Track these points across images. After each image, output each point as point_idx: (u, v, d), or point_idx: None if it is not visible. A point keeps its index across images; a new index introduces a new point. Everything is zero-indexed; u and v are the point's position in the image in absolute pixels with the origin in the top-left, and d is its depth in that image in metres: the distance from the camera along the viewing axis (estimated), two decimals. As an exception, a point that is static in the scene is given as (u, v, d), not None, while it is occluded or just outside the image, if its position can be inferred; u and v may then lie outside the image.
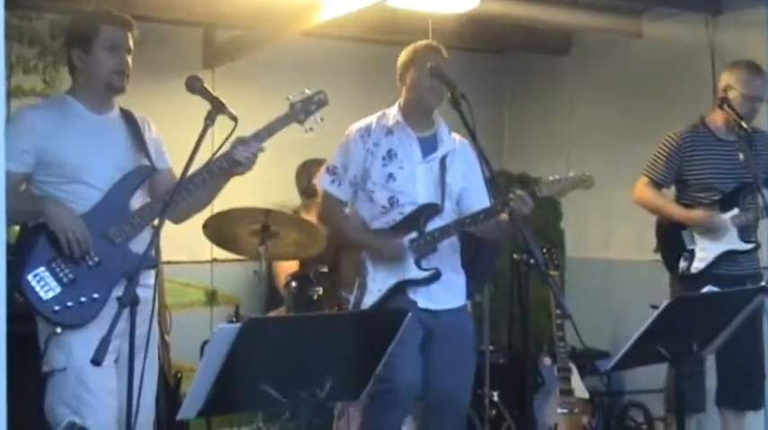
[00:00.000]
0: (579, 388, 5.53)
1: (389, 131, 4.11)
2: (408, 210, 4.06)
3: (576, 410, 5.44)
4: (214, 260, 6.35)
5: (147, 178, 3.55)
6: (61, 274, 3.33)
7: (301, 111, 3.56)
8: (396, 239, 4.04)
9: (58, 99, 3.58)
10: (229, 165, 3.43)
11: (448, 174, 4.12)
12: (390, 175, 4.06)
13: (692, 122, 4.94)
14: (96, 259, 3.37)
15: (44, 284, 3.31)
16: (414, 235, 4.05)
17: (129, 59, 3.50)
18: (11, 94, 5.72)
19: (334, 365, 2.81)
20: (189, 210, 3.67)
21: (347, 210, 4.21)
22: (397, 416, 4.01)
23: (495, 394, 5.58)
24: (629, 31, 6.48)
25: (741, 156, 4.58)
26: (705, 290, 3.47)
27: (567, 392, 5.45)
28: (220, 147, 3.33)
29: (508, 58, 7.73)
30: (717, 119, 4.85)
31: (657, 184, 4.95)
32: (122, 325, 3.16)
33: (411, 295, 4.04)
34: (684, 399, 3.44)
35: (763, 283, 3.63)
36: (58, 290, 3.32)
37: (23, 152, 3.35)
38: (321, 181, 4.21)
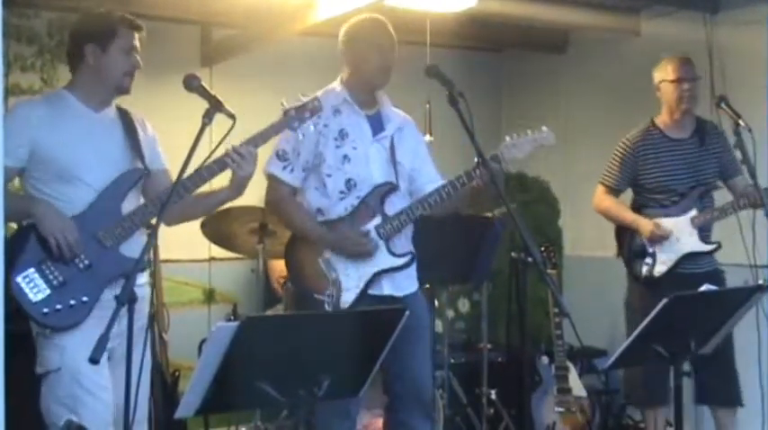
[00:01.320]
0: (577, 386, 5.53)
1: (337, 110, 3.96)
2: (365, 192, 3.93)
3: (574, 409, 5.44)
4: (212, 259, 6.35)
5: (140, 181, 3.54)
6: (51, 276, 3.32)
7: (295, 119, 3.55)
8: (356, 232, 3.89)
9: (56, 94, 3.58)
10: (219, 168, 3.42)
11: (398, 153, 4.03)
12: (345, 157, 3.91)
13: (643, 126, 4.97)
14: (86, 262, 3.36)
15: (33, 286, 3.30)
16: (378, 220, 3.93)
17: (139, 60, 3.53)
18: (8, 92, 5.73)
19: (331, 363, 2.81)
20: (181, 214, 3.65)
21: (298, 199, 4.03)
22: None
23: (493, 393, 5.57)
24: (626, 29, 6.48)
25: (739, 154, 4.59)
26: (702, 288, 3.47)
27: (565, 391, 5.46)
28: (218, 146, 3.32)
29: (506, 57, 7.74)
30: (667, 119, 4.87)
31: (614, 191, 5.01)
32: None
33: (374, 289, 3.92)
34: (681, 398, 3.43)
35: (761, 282, 3.63)
36: (48, 292, 3.31)
37: (18, 147, 3.34)
38: (270, 167, 3.95)
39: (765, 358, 4.87)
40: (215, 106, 3.27)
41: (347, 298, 3.87)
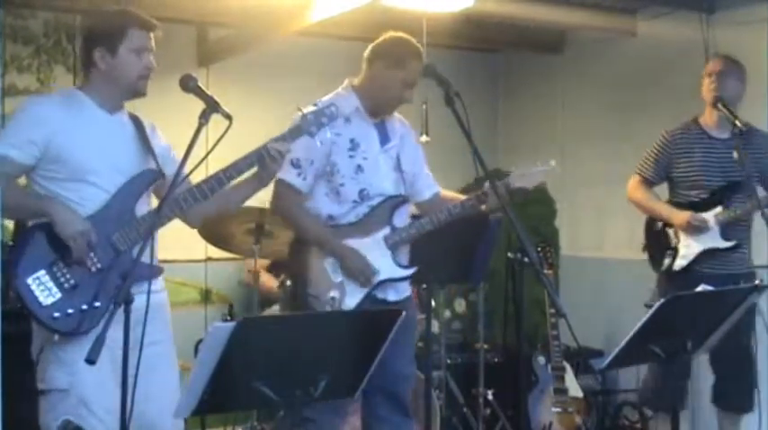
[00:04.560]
0: (573, 386, 5.54)
1: (348, 119, 3.94)
2: (377, 201, 3.97)
3: (571, 409, 5.45)
4: (209, 259, 6.34)
5: (154, 182, 3.43)
6: (62, 279, 3.19)
7: (313, 124, 3.50)
8: (365, 260, 3.92)
9: (71, 94, 3.42)
10: (237, 172, 3.37)
11: (402, 162, 4.08)
12: (358, 167, 3.93)
13: (684, 121, 4.96)
14: (99, 265, 3.23)
15: (44, 289, 3.16)
16: (387, 230, 3.97)
17: (153, 60, 3.42)
18: (5, 92, 5.72)
19: (328, 364, 2.81)
20: (217, 212, 3.64)
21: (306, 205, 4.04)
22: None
23: (490, 393, 5.58)
24: (623, 29, 6.49)
25: (735, 154, 4.59)
26: (699, 288, 3.47)
27: (562, 391, 5.46)
28: (214, 146, 3.32)
29: (502, 57, 7.74)
30: (708, 118, 4.86)
31: (648, 182, 5.00)
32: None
33: (380, 294, 3.98)
34: (678, 398, 3.43)
35: (757, 282, 3.62)
36: (59, 295, 3.16)
37: (30, 143, 3.21)
38: (284, 174, 3.89)
39: (765, 358, 4.88)
40: (211, 107, 3.24)
41: (350, 302, 3.90)
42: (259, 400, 2.71)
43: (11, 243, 4.86)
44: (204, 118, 3.23)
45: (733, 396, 4.81)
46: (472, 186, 5.10)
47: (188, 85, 3.30)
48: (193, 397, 2.66)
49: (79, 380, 3.13)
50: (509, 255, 5.45)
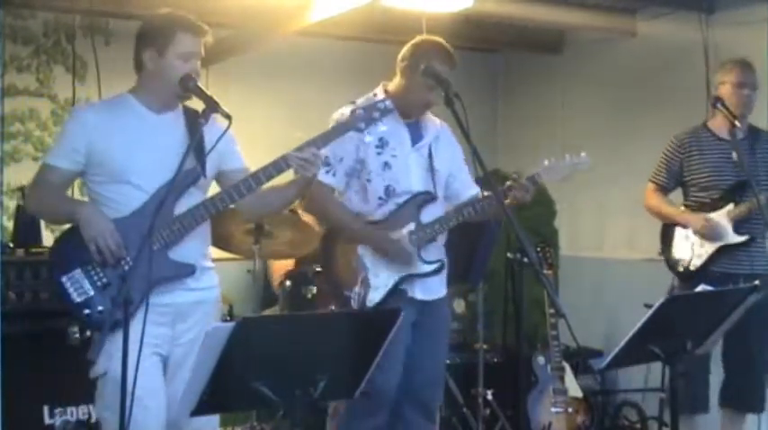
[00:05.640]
0: (573, 386, 5.54)
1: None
2: (404, 199, 4.01)
3: (570, 409, 5.44)
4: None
5: (193, 183, 3.41)
6: (95, 277, 3.29)
7: (362, 119, 3.49)
8: (398, 237, 3.97)
9: (119, 98, 3.49)
10: (277, 171, 3.38)
11: (435, 160, 4.09)
12: (386, 164, 3.99)
13: (693, 126, 4.95)
14: (132, 264, 3.27)
15: (78, 287, 3.28)
16: (412, 226, 4.00)
17: (199, 66, 3.46)
18: (4, 92, 5.72)
19: (327, 364, 2.81)
20: (258, 212, 3.75)
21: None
22: (378, 423, 4.00)
23: (489, 393, 5.57)
24: (622, 29, 6.49)
25: (734, 155, 4.60)
26: (699, 288, 3.47)
27: (561, 391, 5.46)
28: (214, 146, 3.32)
29: (502, 57, 7.75)
30: (716, 121, 4.86)
31: (663, 189, 4.99)
32: (164, 330, 3.32)
33: (407, 288, 4.00)
34: (677, 399, 3.43)
35: (756, 282, 3.62)
36: (91, 292, 3.28)
37: (73, 150, 3.33)
38: None
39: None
40: (211, 106, 3.26)
41: (374, 297, 3.94)
42: (258, 400, 2.71)
43: (11, 244, 4.87)
44: (204, 117, 3.24)
45: (745, 395, 4.80)
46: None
47: (188, 84, 3.32)
48: (193, 397, 2.66)
49: (116, 366, 3.09)
50: (509, 255, 5.45)
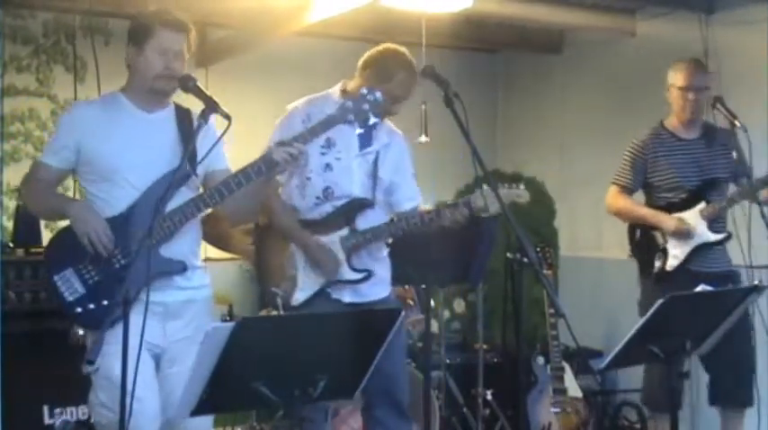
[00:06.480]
0: (572, 387, 5.54)
1: None
2: (341, 202, 3.97)
3: (570, 409, 5.45)
4: (207, 259, 6.31)
5: (184, 182, 3.40)
6: (87, 276, 3.31)
7: (351, 111, 3.46)
8: (329, 243, 3.93)
9: (111, 96, 3.50)
10: (267, 166, 3.34)
11: (380, 169, 4.05)
12: (327, 165, 3.95)
13: (652, 127, 4.96)
14: (123, 262, 3.31)
15: (69, 286, 3.30)
16: (345, 231, 3.96)
17: (180, 64, 3.40)
18: (4, 92, 5.72)
19: (327, 364, 2.81)
20: (234, 215, 3.69)
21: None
22: None
23: (489, 393, 5.58)
24: (622, 29, 6.49)
25: (734, 154, 4.61)
26: (699, 288, 3.47)
27: (561, 391, 5.46)
28: (213, 146, 3.32)
29: (501, 57, 7.75)
30: (674, 121, 4.88)
31: (627, 190, 4.99)
32: (154, 328, 3.28)
33: (334, 294, 3.96)
34: (679, 399, 3.43)
35: (756, 282, 3.62)
36: (83, 291, 3.30)
37: (63, 147, 3.37)
38: None
39: (763, 359, 4.88)
40: (210, 107, 3.25)
41: (299, 297, 3.92)
42: (258, 401, 2.71)
43: (10, 244, 4.87)
44: (203, 118, 3.24)
45: (732, 391, 4.80)
46: (471, 187, 5.11)
47: (187, 84, 3.31)
48: (192, 397, 2.66)
49: (107, 360, 3.14)
50: (508, 255, 5.44)
